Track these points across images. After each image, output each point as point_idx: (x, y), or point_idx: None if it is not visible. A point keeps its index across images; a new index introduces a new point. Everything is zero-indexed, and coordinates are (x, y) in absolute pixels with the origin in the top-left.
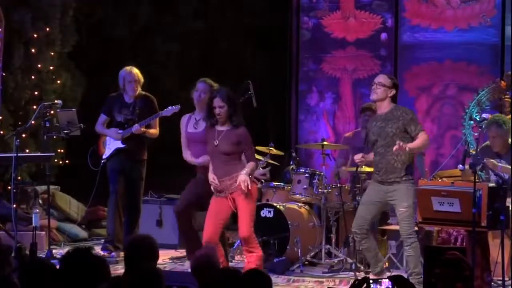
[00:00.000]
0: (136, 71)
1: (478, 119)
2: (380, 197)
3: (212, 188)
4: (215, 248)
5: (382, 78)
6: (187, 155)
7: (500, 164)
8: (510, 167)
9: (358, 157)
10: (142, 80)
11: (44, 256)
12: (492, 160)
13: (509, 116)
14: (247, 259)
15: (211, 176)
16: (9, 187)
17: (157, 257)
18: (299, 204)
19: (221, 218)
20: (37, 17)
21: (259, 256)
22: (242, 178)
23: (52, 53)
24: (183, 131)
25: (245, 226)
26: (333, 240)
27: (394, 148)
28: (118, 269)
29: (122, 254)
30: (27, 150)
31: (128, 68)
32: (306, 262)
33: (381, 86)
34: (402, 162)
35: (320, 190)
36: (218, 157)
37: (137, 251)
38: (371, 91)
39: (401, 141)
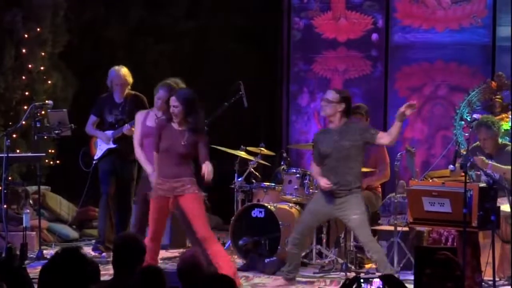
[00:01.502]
0: (124, 72)
1: (469, 120)
2: (328, 207)
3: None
4: (200, 251)
5: (329, 94)
6: (140, 155)
7: (490, 162)
8: (501, 166)
9: (324, 182)
10: (130, 81)
11: (35, 256)
12: (481, 157)
13: (500, 116)
14: (220, 263)
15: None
16: (0, 188)
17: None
18: (290, 205)
19: (164, 215)
20: (28, 17)
21: (230, 264)
22: (211, 168)
23: (43, 54)
24: (138, 127)
25: (202, 226)
26: (324, 240)
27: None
28: (109, 270)
29: None
30: (18, 151)
31: (116, 68)
32: None
33: (328, 103)
34: (354, 175)
35: (311, 190)
36: (171, 157)
37: (124, 251)
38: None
39: (355, 153)
